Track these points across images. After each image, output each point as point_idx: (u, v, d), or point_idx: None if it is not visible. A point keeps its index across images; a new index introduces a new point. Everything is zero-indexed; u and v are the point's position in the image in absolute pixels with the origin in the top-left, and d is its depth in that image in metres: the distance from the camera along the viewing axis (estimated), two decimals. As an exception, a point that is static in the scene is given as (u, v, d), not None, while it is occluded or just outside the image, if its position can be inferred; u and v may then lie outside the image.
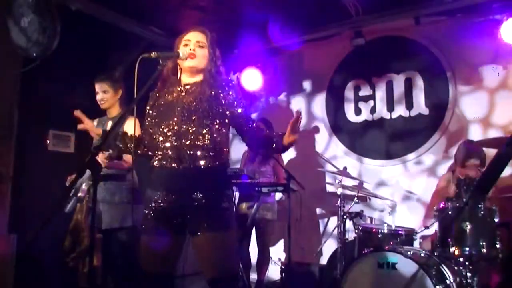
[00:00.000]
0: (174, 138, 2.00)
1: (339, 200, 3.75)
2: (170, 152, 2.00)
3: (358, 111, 4.80)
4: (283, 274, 4.40)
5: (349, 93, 4.88)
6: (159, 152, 2.03)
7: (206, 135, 1.99)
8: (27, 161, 3.65)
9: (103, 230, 2.85)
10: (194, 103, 2.03)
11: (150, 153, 2.12)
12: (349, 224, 3.77)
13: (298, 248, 4.49)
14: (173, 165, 1.98)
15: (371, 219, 4.38)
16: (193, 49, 2.08)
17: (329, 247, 4.45)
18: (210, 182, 2.00)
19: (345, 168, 4.11)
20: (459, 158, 3.56)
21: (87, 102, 3.99)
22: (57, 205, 2.01)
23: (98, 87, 3.05)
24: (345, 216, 3.71)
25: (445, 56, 4.32)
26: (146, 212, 2.03)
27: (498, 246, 2.88)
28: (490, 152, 3.37)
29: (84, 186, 2.78)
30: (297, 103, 5.26)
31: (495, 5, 3.79)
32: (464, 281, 2.92)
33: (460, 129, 4.19)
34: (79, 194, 2.78)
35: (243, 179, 3.38)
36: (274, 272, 4.62)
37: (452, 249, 2.91)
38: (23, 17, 3.33)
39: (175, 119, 2.02)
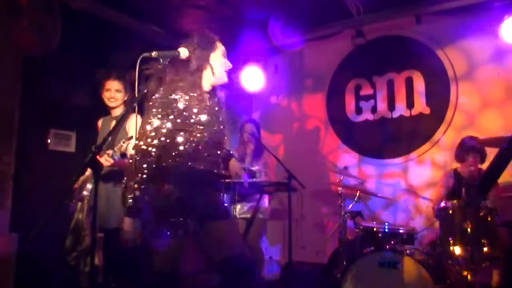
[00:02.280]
0: (196, 141, 2.08)
1: (340, 199, 3.75)
2: (189, 155, 2.06)
3: (359, 110, 4.80)
4: (284, 273, 4.40)
5: (350, 92, 4.87)
6: (176, 153, 2.06)
7: (221, 144, 2.18)
8: (28, 160, 3.65)
9: (105, 230, 2.84)
10: (216, 111, 2.16)
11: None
12: (350, 223, 3.76)
13: (299, 248, 4.49)
14: (189, 164, 2.06)
15: (372, 218, 4.38)
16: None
17: (330, 246, 4.45)
18: (219, 186, 2.22)
19: (346, 168, 4.11)
20: (459, 153, 3.57)
21: (88, 101, 4.02)
22: (59, 204, 2.01)
23: (111, 84, 3.01)
24: (346, 215, 3.71)
25: (446, 55, 4.32)
26: (156, 210, 2.03)
27: (499, 245, 2.88)
28: (491, 151, 3.37)
29: (88, 185, 2.78)
30: (298, 102, 5.26)
31: (496, 4, 3.79)
32: (465, 281, 2.92)
33: (461, 128, 4.18)
34: (84, 193, 2.78)
35: (244, 178, 3.37)
36: (274, 271, 4.62)
37: (453, 248, 2.91)
38: (24, 16, 3.33)
39: (200, 126, 2.09)
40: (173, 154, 2.04)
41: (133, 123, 2.66)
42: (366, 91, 4.77)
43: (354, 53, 4.80)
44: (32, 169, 3.66)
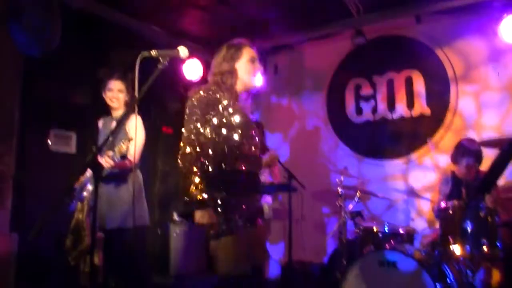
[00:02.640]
0: (253, 145, 2.21)
1: (340, 199, 3.75)
2: (256, 158, 2.23)
3: (359, 111, 4.80)
4: (284, 273, 4.40)
5: (350, 92, 4.87)
6: (246, 159, 2.17)
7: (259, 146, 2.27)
8: (28, 160, 3.65)
9: (105, 230, 2.84)
10: (248, 115, 2.24)
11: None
12: (350, 223, 3.77)
13: (299, 247, 4.49)
14: (234, 163, 2.15)
15: (372, 218, 4.38)
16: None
17: (330, 246, 4.45)
18: (261, 188, 2.39)
19: (346, 168, 4.11)
20: (453, 155, 3.55)
21: (88, 101, 4.01)
22: (59, 204, 2.01)
23: (113, 84, 2.98)
24: (346, 216, 3.71)
25: (446, 55, 4.32)
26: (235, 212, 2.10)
27: (499, 245, 2.88)
28: (491, 152, 3.37)
29: (90, 186, 2.78)
30: (298, 102, 5.26)
31: (495, 3, 3.79)
32: (465, 280, 2.92)
33: (461, 128, 4.18)
34: (85, 194, 2.78)
35: None
36: (275, 271, 4.62)
37: (453, 248, 2.91)
38: (24, 16, 3.33)
39: (237, 127, 2.18)
40: (214, 153, 2.10)
41: (133, 124, 2.65)
42: (366, 91, 4.77)
43: (354, 53, 4.80)
44: (32, 169, 3.67)
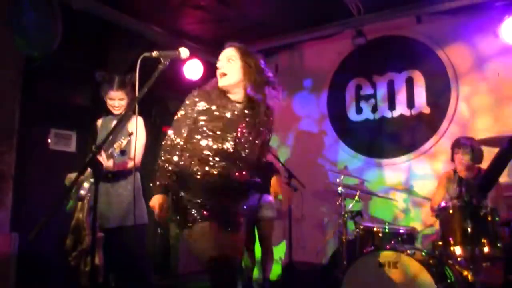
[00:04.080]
0: (230, 153, 2.14)
1: (340, 199, 3.75)
2: (223, 164, 2.14)
3: (359, 110, 4.81)
4: (285, 273, 4.40)
5: (350, 92, 4.87)
6: (210, 162, 2.13)
7: (251, 156, 2.21)
8: (29, 160, 3.65)
9: (106, 229, 2.84)
10: (249, 128, 2.20)
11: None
12: (350, 223, 3.76)
13: (300, 247, 4.49)
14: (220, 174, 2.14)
15: (372, 218, 4.38)
16: (222, 67, 2.22)
17: (330, 246, 4.45)
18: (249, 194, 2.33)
19: (346, 167, 4.11)
20: (451, 151, 3.57)
21: (88, 101, 4.02)
22: (58, 203, 2.01)
23: (114, 95, 2.98)
24: (346, 215, 3.71)
25: (446, 55, 4.32)
26: None
27: (499, 245, 2.88)
28: (491, 151, 3.36)
29: (86, 184, 2.77)
30: (298, 102, 5.26)
31: (496, 4, 3.79)
32: (465, 281, 2.92)
33: (461, 127, 4.18)
34: (81, 192, 2.77)
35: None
36: (275, 271, 4.62)
37: (453, 248, 2.91)
38: (24, 16, 3.33)
39: (232, 141, 2.15)
40: (189, 157, 2.14)
41: (134, 124, 2.65)
42: (366, 90, 4.77)
43: (355, 53, 4.80)
44: (33, 168, 3.67)
